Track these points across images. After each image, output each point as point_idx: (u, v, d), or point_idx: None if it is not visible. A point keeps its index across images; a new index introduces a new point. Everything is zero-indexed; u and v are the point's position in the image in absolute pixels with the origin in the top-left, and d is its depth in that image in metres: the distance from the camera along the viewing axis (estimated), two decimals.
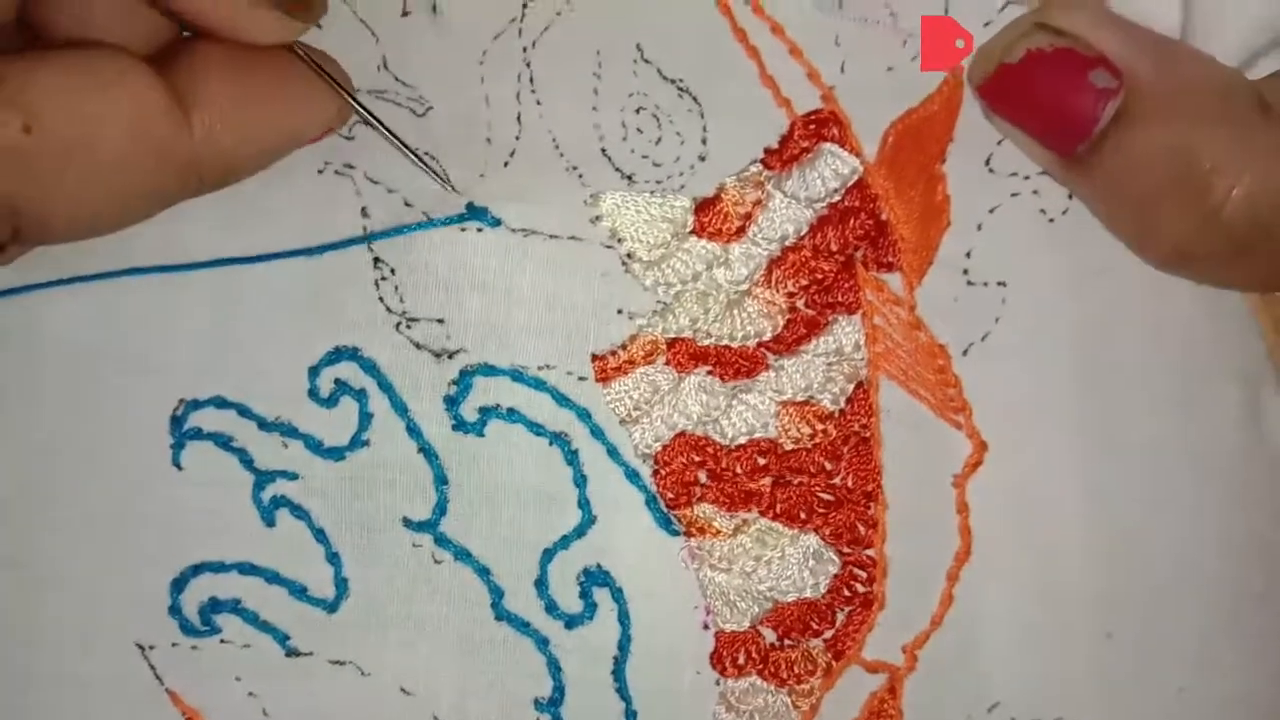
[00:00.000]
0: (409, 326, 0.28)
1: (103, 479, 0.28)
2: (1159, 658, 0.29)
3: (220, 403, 0.28)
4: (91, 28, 0.24)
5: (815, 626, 0.28)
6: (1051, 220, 0.30)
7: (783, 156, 0.29)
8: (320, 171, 0.28)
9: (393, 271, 0.28)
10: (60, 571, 0.28)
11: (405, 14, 0.29)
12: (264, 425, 0.28)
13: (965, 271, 0.29)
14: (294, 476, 0.28)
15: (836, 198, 0.29)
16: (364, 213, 0.28)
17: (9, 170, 0.21)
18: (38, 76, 0.22)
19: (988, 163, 0.30)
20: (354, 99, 0.27)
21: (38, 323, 0.28)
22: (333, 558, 0.28)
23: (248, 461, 0.28)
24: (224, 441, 0.28)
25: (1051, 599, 0.29)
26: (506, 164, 0.28)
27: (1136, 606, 0.29)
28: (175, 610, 0.28)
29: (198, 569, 0.28)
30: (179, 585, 0.28)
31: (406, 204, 0.28)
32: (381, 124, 0.27)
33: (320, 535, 0.28)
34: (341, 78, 0.27)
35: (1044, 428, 0.29)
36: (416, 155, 0.27)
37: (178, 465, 0.28)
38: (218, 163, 0.24)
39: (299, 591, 0.28)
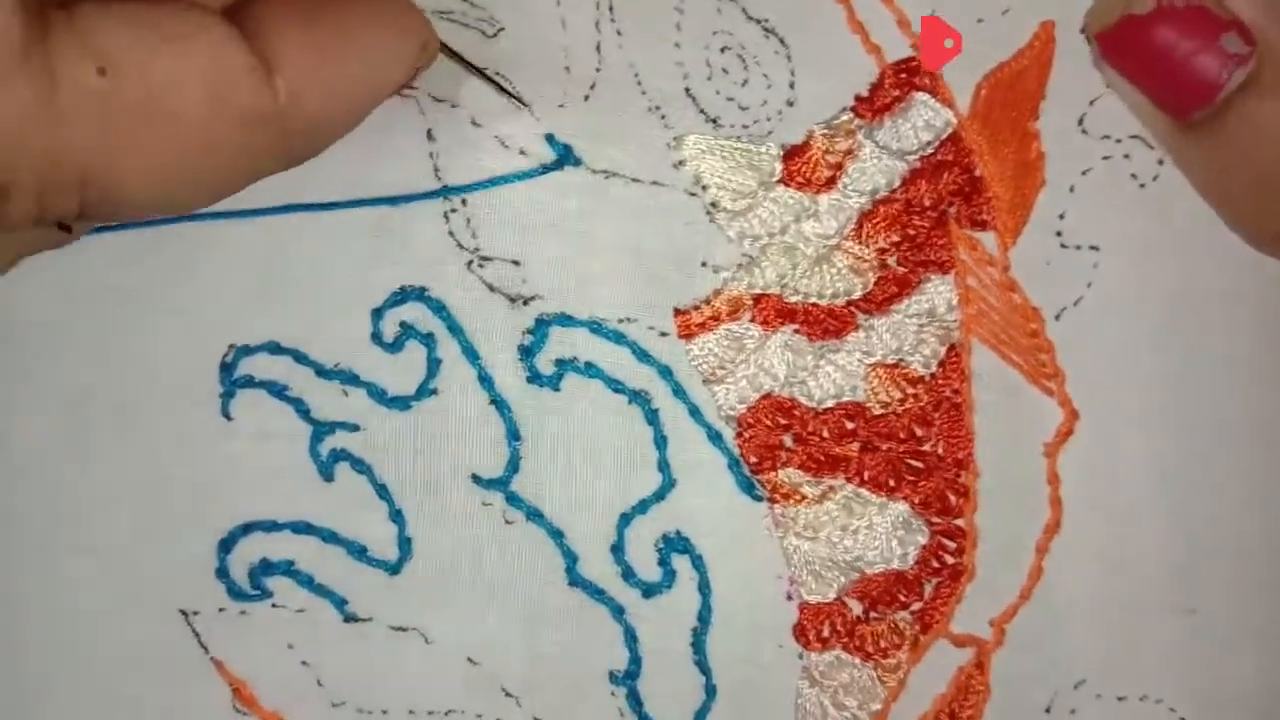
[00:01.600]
0: (481, 266, 0.26)
1: (144, 432, 0.26)
2: (1241, 635, 0.28)
3: (274, 348, 0.26)
4: None
5: (903, 598, 0.27)
6: (1142, 186, 0.29)
7: (874, 105, 0.28)
8: None
9: (464, 203, 0.26)
10: (97, 532, 0.25)
11: None
12: (322, 372, 0.26)
13: (1059, 234, 0.28)
14: (355, 428, 0.26)
15: (929, 150, 0.28)
16: (429, 135, 0.26)
17: (81, 122, 0.19)
18: (111, 23, 0.19)
19: (1080, 123, 0.29)
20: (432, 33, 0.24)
21: (69, 263, 0.25)
22: (396, 516, 0.26)
23: (304, 412, 0.26)
24: (278, 390, 0.26)
25: (1137, 574, 0.28)
26: (587, 97, 0.27)
27: (1219, 583, 0.28)
28: (222, 573, 0.25)
29: (248, 528, 0.26)
30: (227, 546, 0.26)
31: (474, 123, 0.26)
32: (460, 57, 0.25)
33: (383, 491, 0.26)
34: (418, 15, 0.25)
35: (1132, 397, 0.28)
36: (500, 84, 0.26)
37: (227, 416, 0.26)
38: (306, 128, 0.22)
39: (358, 552, 0.26)
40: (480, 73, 0.26)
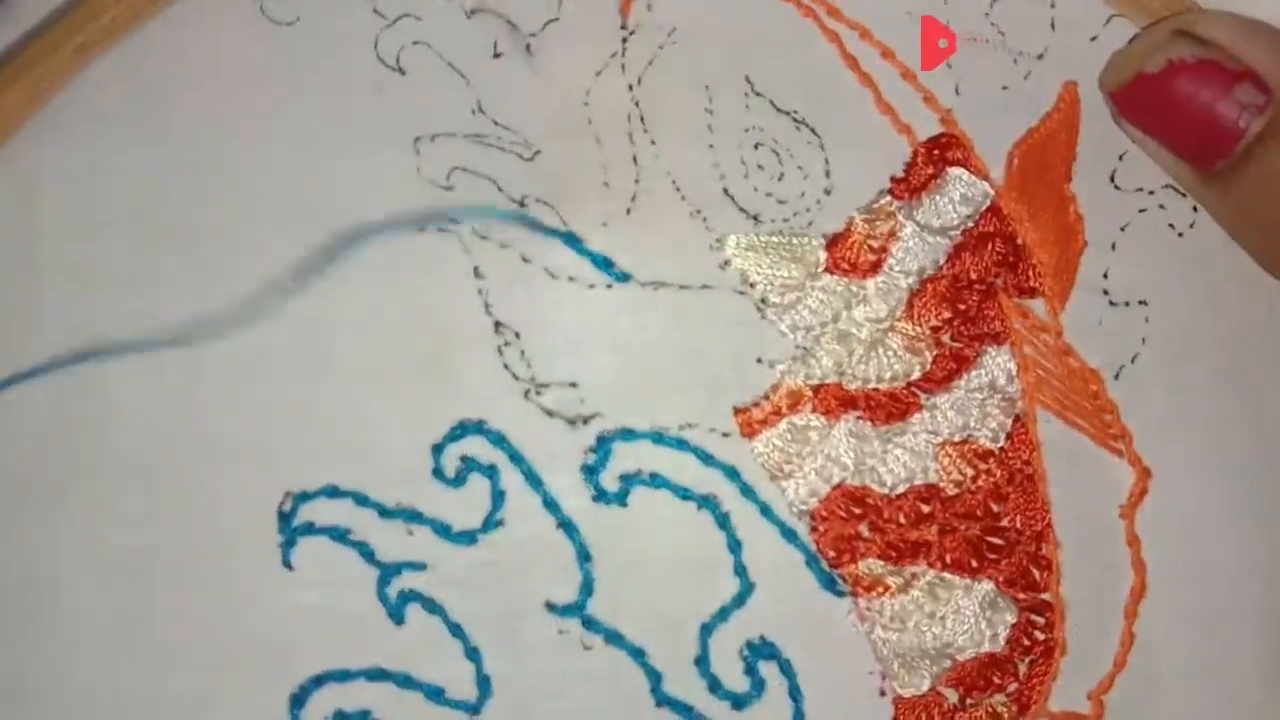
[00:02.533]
0: (539, 393, 0.26)
1: (202, 590, 0.25)
2: None
3: (333, 492, 0.25)
4: None
5: (998, 681, 0.26)
6: (1180, 234, 0.29)
7: (910, 185, 0.28)
8: (421, 230, 0.26)
9: (517, 336, 0.26)
10: (162, 700, 0.25)
11: (497, 55, 0.27)
12: (385, 513, 0.25)
13: (1105, 292, 0.28)
14: (422, 567, 0.25)
15: (970, 224, 0.28)
16: (476, 272, 0.26)
17: None
18: None
19: (1112, 179, 0.29)
20: None
21: (102, 404, 0.25)
22: (472, 653, 0.25)
23: (369, 554, 0.25)
24: (341, 535, 0.25)
25: (1225, 629, 0.27)
26: (629, 211, 0.26)
27: None
28: None
29: (319, 680, 0.25)
30: (299, 701, 0.25)
31: (524, 260, 0.26)
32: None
33: (456, 629, 0.25)
34: None
35: (1202, 448, 0.28)
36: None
37: (289, 566, 0.25)
38: None
39: (436, 695, 0.25)
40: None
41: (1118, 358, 0.28)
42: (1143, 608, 0.27)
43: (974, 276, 0.28)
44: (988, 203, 0.28)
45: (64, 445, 0.25)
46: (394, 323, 0.26)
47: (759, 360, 0.27)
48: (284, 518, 0.25)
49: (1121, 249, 0.29)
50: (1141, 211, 0.29)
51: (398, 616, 0.25)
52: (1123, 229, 0.29)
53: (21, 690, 0.25)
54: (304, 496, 0.25)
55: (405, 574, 0.25)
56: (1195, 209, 0.29)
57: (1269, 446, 0.28)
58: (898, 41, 0.28)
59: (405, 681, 0.25)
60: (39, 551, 0.25)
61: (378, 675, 0.25)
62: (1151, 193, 0.29)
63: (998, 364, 0.27)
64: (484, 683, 0.25)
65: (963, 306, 0.27)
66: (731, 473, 0.26)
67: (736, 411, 0.26)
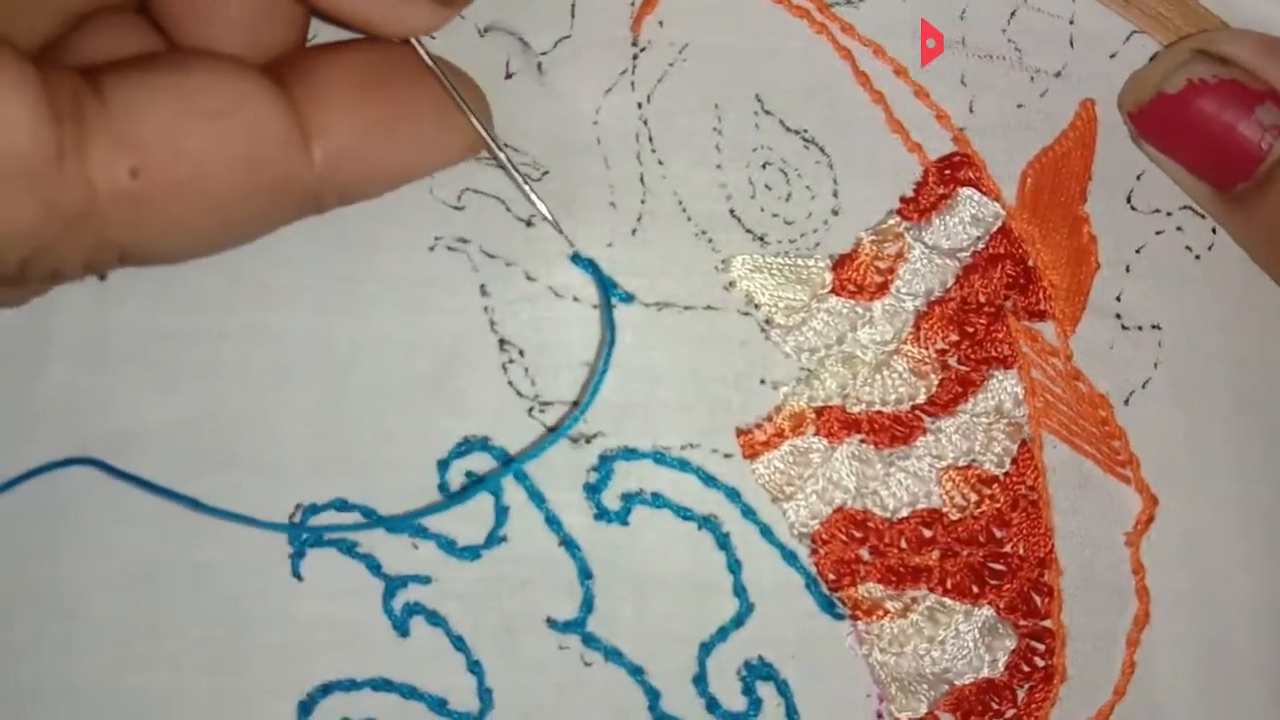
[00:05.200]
0: (542, 411, 0.26)
1: (214, 599, 0.25)
2: None
3: (341, 505, 0.26)
4: (215, 22, 0.22)
5: (996, 706, 0.26)
6: (1198, 257, 0.28)
7: (919, 206, 0.27)
8: (431, 249, 0.26)
9: (521, 354, 0.26)
10: (173, 704, 0.25)
11: (509, 76, 0.27)
12: (391, 527, 0.26)
13: (1118, 316, 0.28)
14: (427, 580, 0.25)
15: (980, 245, 0.27)
16: (483, 290, 0.26)
17: (115, 217, 0.19)
18: (145, 108, 0.20)
19: (1129, 199, 0.28)
20: (487, 129, 0.24)
21: (122, 423, 0.25)
22: (474, 666, 0.25)
23: (375, 567, 0.25)
24: (348, 548, 0.25)
25: (1233, 657, 0.27)
26: (634, 231, 0.26)
27: None
28: None
29: (326, 689, 0.25)
30: (306, 708, 0.25)
31: (529, 278, 0.26)
32: (510, 162, 0.25)
33: (459, 643, 0.25)
34: (480, 102, 0.25)
35: (1210, 475, 0.28)
36: (550, 216, 0.25)
37: (298, 576, 0.25)
38: (335, 193, 0.22)
39: (439, 706, 0.25)
40: (522, 183, 0.25)
41: (1129, 383, 0.28)
42: (1145, 636, 0.27)
43: (982, 299, 0.27)
44: (999, 224, 0.28)
45: (84, 457, 0.26)
46: (403, 339, 0.26)
47: (762, 381, 0.27)
48: (293, 528, 0.26)
49: (1136, 271, 0.28)
50: (1158, 233, 0.29)
51: (402, 629, 0.26)
52: (1138, 251, 0.28)
53: (43, 692, 0.25)
54: (314, 509, 0.26)
55: (411, 586, 0.26)
56: (1214, 230, 0.29)
57: (1277, 477, 0.28)
58: (911, 59, 0.28)
59: (409, 692, 0.25)
60: (59, 560, 0.25)
61: (383, 685, 0.25)
62: (1169, 214, 0.29)
63: (1004, 388, 0.27)
64: (486, 695, 0.25)
65: (970, 329, 0.27)
66: (733, 494, 0.26)
67: (739, 433, 0.26)
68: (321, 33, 0.25)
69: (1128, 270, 0.28)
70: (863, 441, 0.27)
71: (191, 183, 0.20)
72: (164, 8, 0.23)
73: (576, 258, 0.26)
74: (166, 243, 0.21)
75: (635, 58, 0.27)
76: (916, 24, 0.28)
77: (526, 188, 0.25)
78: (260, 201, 0.21)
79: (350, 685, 0.25)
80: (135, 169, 0.19)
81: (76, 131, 0.19)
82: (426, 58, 0.24)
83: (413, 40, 0.24)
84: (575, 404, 0.26)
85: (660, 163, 0.27)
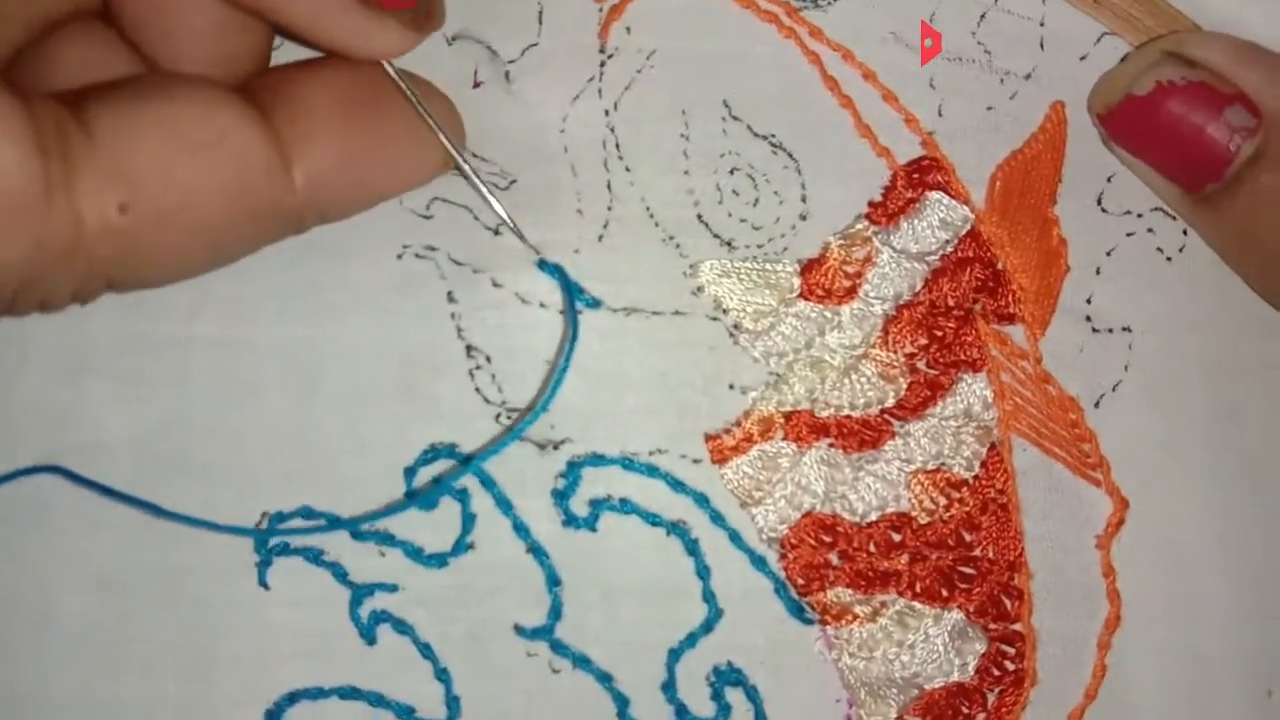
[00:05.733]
0: (509, 417, 0.26)
1: (182, 606, 0.25)
2: None
3: (308, 513, 0.26)
4: (176, 30, 0.22)
5: (966, 710, 0.26)
6: (1169, 259, 0.28)
7: (888, 209, 0.27)
8: (399, 256, 0.26)
9: (488, 359, 0.26)
10: (141, 711, 0.25)
11: (477, 85, 0.27)
12: (357, 534, 0.26)
13: (1089, 319, 0.28)
14: (394, 588, 0.25)
15: (948, 249, 0.27)
16: (450, 297, 0.26)
17: (104, 250, 0.19)
18: (133, 140, 0.20)
19: (1099, 202, 0.28)
20: (458, 146, 0.24)
21: (93, 431, 0.26)
22: (441, 674, 0.25)
23: (342, 575, 0.25)
24: (314, 555, 0.26)
25: (1205, 660, 0.27)
26: (601, 238, 0.26)
27: None
28: None
29: (294, 697, 0.25)
30: (274, 716, 0.25)
31: (495, 284, 0.26)
32: (478, 176, 0.25)
33: (426, 650, 0.25)
34: (452, 117, 0.25)
35: (1182, 478, 0.27)
36: (513, 224, 0.26)
37: (264, 585, 0.25)
38: (316, 214, 0.23)
39: (406, 714, 0.25)
40: (491, 200, 0.26)
41: (1099, 386, 0.28)
42: (1117, 639, 0.27)
43: (951, 302, 0.27)
44: (967, 227, 0.28)
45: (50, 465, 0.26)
46: (371, 347, 0.26)
47: (731, 386, 0.26)
48: (260, 539, 0.26)
49: (1106, 274, 0.28)
50: (1129, 235, 0.29)
51: (369, 636, 0.25)
52: (1109, 253, 0.28)
53: (14, 698, 0.25)
54: (280, 516, 0.26)
55: (378, 594, 0.26)
56: (1185, 233, 0.29)
57: (1254, 478, 0.28)
58: (880, 63, 0.28)
59: (377, 700, 0.25)
60: (28, 567, 0.25)
61: (350, 694, 0.25)
62: (1140, 216, 0.29)
63: (973, 391, 0.27)
64: (453, 703, 0.25)
65: (939, 333, 0.27)
66: (701, 499, 0.26)
67: (707, 438, 0.26)
68: (286, 44, 0.25)
69: (1098, 273, 0.28)
70: (831, 446, 0.27)
71: (179, 213, 0.20)
72: (130, 20, 0.23)
73: (543, 263, 0.26)
74: (153, 271, 0.21)
75: (603, 65, 0.27)
76: (885, 28, 0.28)
77: (493, 200, 0.25)
78: (245, 227, 0.22)
79: (318, 693, 0.25)
80: (124, 204, 0.19)
81: (63, 165, 0.19)
82: (396, 79, 0.24)
83: (382, 62, 0.24)
84: (543, 410, 0.26)
85: (628, 169, 0.27)
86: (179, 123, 0.20)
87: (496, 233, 0.27)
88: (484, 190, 0.25)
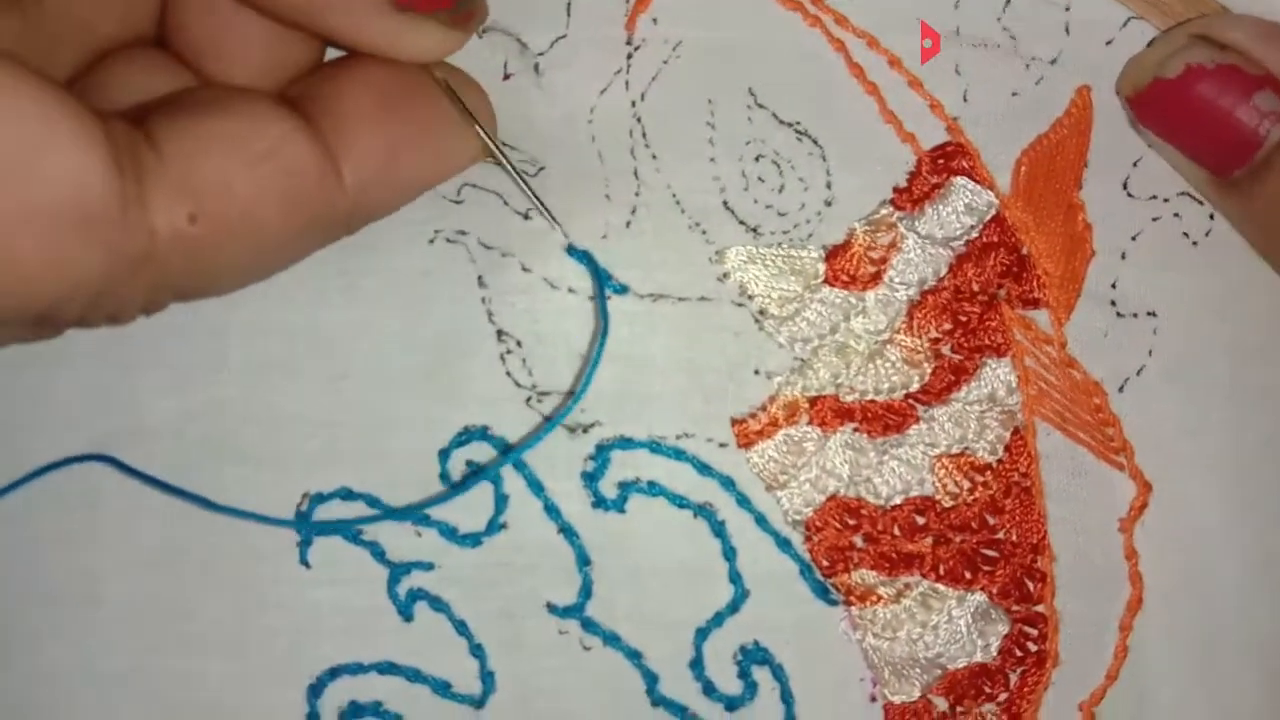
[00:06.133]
0: (539, 401, 0.27)
1: (227, 585, 0.26)
2: None
3: (347, 494, 0.26)
4: (230, 51, 0.23)
5: (988, 690, 0.27)
6: (1195, 243, 0.28)
7: (913, 195, 0.28)
8: (431, 241, 0.27)
9: (519, 344, 0.27)
10: (188, 686, 0.26)
11: (507, 77, 0.27)
12: (394, 514, 0.27)
13: (1113, 303, 0.28)
14: (430, 567, 0.26)
15: (973, 234, 0.28)
16: (481, 281, 0.27)
17: (174, 262, 0.20)
18: (198, 155, 0.21)
19: (1125, 186, 0.28)
20: (492, 136, 0.25)
21: (136, 417, 0.27)
22: (476, 650, 0.26)
23: (380, 554, 0.26)
24: (353, 535, 0.26)
25: (1226, 643, 0.27)
26: (629, 224, 0.27)
27: None
28: (313, 717, 0.26)
29: (335, 672, 0.26)
30: (316, 690, 0.26)
31: (524, 269, 0.27)
32: (514, 167, 0.26)
33: (462, 627, 0.26)
34: (485, 108, 0.25)
35: (1205, 461, 0.28)
36: (542, 205, 0.26)
37: (306, 564, 0.26)
38: (365, 214, 0.23)
39: (443, 689, 0.26)
40: (525, 186, 0.26)
41: (1123, 370, 0.28)
42: (1138, 621, 0.27)
43: (976, 287, 0.27)
44: (992, 212, 0.28)
45: (99, 454, 0.27)
46: (404, 331, 0.27)
47: (756, 372, 0.27)
48: (301, 517, 0.26)
49: (1131, 258, 0.28)
50: (1155, 220, 0.29)
51: (406, 614, 0.26)
52: (1134, 238, 0.28)
53: (66, 673, 0.26)
54: (320, 498, 0.26)
55: (414, 573, 0.26)
56: (1211, 216, 0.29)
57: (1277, 463, 0.27)
58: (905, 49, 0.28)
59: (414, 675, 0.26)
60: (78, 549, 0.26)
61: (388, 669, 0.26)
62: (1166, 200, 0.29)
63: (998, 376, 0.27)
64: (488, 678, 0.26)
65: (963, 318, 0.27)
66: (727, 482, 0.27)
67: (733, 422, 0.27)
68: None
69: (1123, 257, 0.28)
70: (856, 430, 0.27)
71: (241, 223, 0.21)
72: (185, 44, 0.24)
73: (572, 249, 0.27)
74: (218, 280, 0.22)
75: (630, 56, 0.28)
76: (911, 14, 0.28)
77: (527, 189, 0.26)
78: (301, 234, 0.22)
79: (357, 669, 0.26)
80: (194, 214, 0.20)
81: (137, 180, 0.20)
82: (438, 80, 0.24)
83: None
84: (570, 393, 0.27)
85: (654, 157, 0.27)
86: (238, 136, 0.21)
87: (526, 217, 0.27)
88: (521, 180, 0.26)
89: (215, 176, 0.20)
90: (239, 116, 0.21)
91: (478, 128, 0.25)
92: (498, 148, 0.25)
